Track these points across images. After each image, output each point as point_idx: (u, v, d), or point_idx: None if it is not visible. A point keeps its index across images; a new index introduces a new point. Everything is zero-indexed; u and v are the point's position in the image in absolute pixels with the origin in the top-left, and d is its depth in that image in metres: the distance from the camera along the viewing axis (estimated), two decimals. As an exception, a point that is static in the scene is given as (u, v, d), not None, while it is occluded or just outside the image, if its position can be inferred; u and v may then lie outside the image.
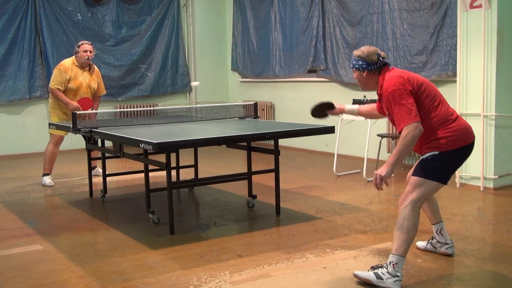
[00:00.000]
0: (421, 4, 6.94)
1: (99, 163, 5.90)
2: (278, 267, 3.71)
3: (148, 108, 7.08)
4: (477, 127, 5.87)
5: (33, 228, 4.81)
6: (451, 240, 3.89)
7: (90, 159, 5.92)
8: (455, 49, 6.32)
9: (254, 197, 5.35)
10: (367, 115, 4.12)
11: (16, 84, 8.95)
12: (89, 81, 6.58)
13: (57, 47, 9.22)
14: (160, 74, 10.19)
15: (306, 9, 8.72)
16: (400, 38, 7.22)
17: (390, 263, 3.29)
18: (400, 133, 3.28)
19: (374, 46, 3.62)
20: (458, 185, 6.06)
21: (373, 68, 3.49)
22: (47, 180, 6.64)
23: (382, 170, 3.27)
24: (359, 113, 4.04)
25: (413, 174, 3.45)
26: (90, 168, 5.97)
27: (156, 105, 10.00)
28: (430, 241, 3.94)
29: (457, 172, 6.07)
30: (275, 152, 4.96)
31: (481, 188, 5.87)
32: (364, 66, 3.50)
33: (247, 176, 5.34)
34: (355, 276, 3.40)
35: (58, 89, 6.35)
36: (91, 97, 6.65)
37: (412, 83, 3.35)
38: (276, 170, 5.00)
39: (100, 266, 3.80)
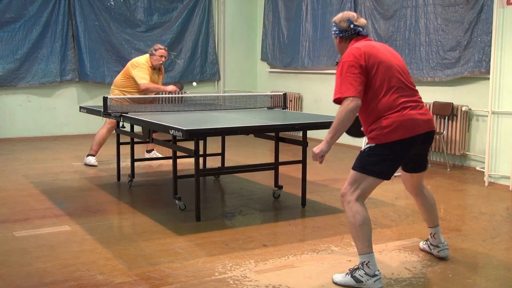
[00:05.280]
0: (456, -1, 6.85)
1: (127, 148, 5.99)
2: (303, 258, 3.72)
3: (177, 95, 7.10)
4: (509, 125, 5.79)
5: (62, 209, 4.89)
6: (444, 243, 3.72)
7: (119, 143, 5.98)
8: (490, 46, 6.21)
9: (280, 187, 5.35)
10: None
11: (48, 67, 9.07)
12: (157, 80, 6.83)
13: (89, 32, 9.31)
14: (190, 62, 10.23)
15: (339, 1, 8.65)
16: (433, 33, 7.13)
17: (363, 263, 3.20)
18: (334, 102, 3.18)
19: (352, 12, 3.49)
20: (486, 184, 5.98)
21: (344, 35, 3.38)
22: (92, 160, 6.87)
23: (318, 147, 3.22)
24: None
25: (352, 167, 3.29)
26: (119, 152, 6.03)
27: (185, 92, 10.04)
28: (426, 242, 3.86)
29: (486, 171, 6.00)
30: (303, 143, 4.95)
31: (511, 188, 5.79)
32: (337, 32, 3.41)
33: (274, 166, 5.34)
34: (335, 283, 3.30)
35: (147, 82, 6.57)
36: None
37: (366, 59, 3.17)
38: (303, 162, 4.99)
39: (127, 249, 3.85)
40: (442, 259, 3.69)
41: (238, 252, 3.80)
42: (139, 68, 6.59)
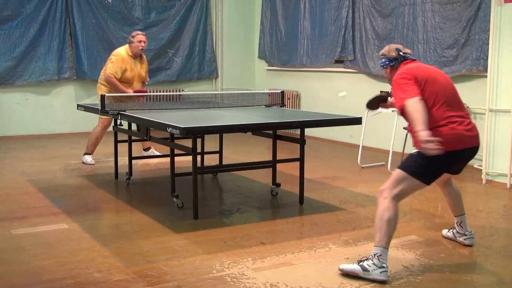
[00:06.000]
0: (454, -4, 6.85)
1: (124, 146, 6.02)
2: (301, 255, 3.72)
3: (174, 93, 7.13)
4: (506, 123, 5.79)
5: (60, 207, 4.89)
6: (471, 232, 3.95)
7: (116, 141, 5.97)
8: (487, 44, 6.22)
9: (278, 185, 5.35)
10: None
11: (45, 65, 9.05)
12: (140, 69, 6.71)
13: (86, 30, 9.30)
14: (187, 60, 10.22)
15: (336, -1, 8.65)
16: (431, 30, 7.13)
17: (374, 254, 3.31)
18: (401, 114, 3.33)
19: (397, 44, 3.71)
20: (484, 182, 5.99)
21: (395, 64, 3.61)
22: (89, 158, 6.85)
23: (423, 136, 3.08)
24: None
25: (398, 166, 3.43)
26: (116, 150, 6.03)
27: (182, 90, 10.04)
28: (451, 230, 4.05)
29: (483, 169, 6.01)
30: (301, 141, 4.95)
31: (508, 185, 5.79)
32: (387, 62, 3.64)
33: (272, 164, 5.34)
34: (341, 270, 3.39)
35: (115, 77, 6.46)
36: (140, 85, 6.79)
37: (416, 73, 3.39)
38: (301, 159, 4.99)
39: (125, 247, 3.85)
40: (468, 246, 3.90)
41: (236, 250, 3.81)
42: (114, 61, 6.50)
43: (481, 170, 6.11)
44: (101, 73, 6.74)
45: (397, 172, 3.38)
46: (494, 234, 4.26)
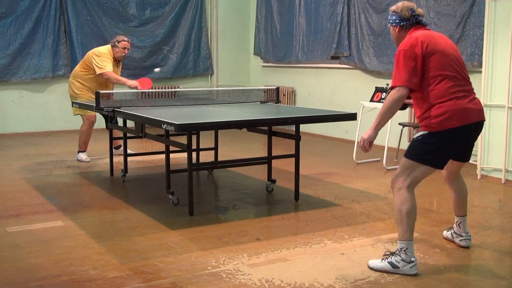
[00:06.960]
0: (448, -8, 6.85)
1: (119, 143, 6.04)
2: (296, 251, 3.72)
3: (170, 90, 7.09)
4: (501, 118, 5.80)
5: (55, 204, 4.88)
6: (467, 233, 3.83)
7: (111, 139, 5.97)
8: (482, 39, 6.23)
9: (274, 181, 5.35)
10: None
11: (40, 62, 9.03)
12: (117, 72, 6.76)
13: (81, 26, 9.28)
14: (183, 57, 10.20)
15: (331, -5, 8.64)
16: (426, 26, 7.13)
17: (401, 249, 3.31)
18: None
19: (411, 2, 3.53)
20: (479, 177, 6.01)
21: (406, 24, 3.44)
22: (83, 156, 6.84)
23: (366, 133, 3.37)
24: None
25: (404, 155, 3.35)
26: (112, 147, 6.03)
27: (178, 87, 10.03)
28: (450, 230, 3.98)
29: (478, 164, 6.02)
30: (296, 137, 4.96)
31: (503, 181, 5.81)
32: (397, 21, 3.47)
33: (267, 160, 5.34)
34: (371, 268, 3.39)
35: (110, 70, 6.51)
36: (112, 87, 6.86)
37: (424, 48, 3.23)
38: (296, 155, 5.00)
39: (120, 244, 3.85)
40: (464, 247, 3.80)
41: (231, 246, 3.81)
42: (102, 57, 6.51)
43: (476, 165, 6.12)
44: (77, 69, 6.76)
45: (405, 161, 3.31)
46: (489, 229, 4.28)
